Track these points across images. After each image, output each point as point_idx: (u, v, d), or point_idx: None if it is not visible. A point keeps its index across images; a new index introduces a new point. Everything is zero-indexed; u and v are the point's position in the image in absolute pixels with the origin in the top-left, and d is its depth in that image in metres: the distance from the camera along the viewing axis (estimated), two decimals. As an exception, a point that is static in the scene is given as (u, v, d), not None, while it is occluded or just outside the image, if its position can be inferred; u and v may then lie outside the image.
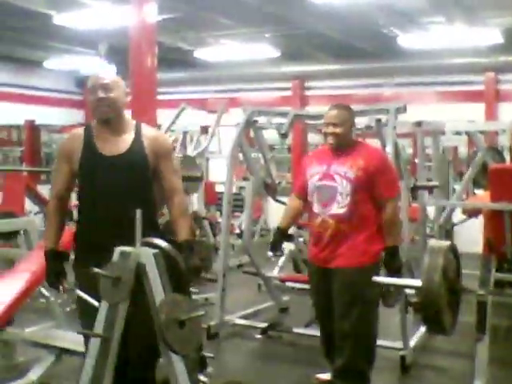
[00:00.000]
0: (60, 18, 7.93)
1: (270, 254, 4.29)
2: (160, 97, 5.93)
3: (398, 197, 3.68)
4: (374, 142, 6.77)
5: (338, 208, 3.52)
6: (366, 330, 3.61)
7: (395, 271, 3.56)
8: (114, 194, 2.85)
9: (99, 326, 2.66)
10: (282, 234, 3.89)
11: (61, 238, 2.99)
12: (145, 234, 2.69)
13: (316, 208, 3.60)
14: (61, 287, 3.06)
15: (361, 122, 5.83)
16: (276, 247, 3.95)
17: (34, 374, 3.61)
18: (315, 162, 3.68)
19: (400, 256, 3.63)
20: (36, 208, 7.93)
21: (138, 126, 2.98)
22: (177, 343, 2.47)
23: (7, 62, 11.82)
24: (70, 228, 3.40)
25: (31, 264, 3.93)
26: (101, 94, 2.86)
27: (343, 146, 3.59)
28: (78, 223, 2.99)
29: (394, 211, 3.56)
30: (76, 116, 13.75)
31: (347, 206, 3.50)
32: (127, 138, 2.92)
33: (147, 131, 2.99)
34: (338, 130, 3.55)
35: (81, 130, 2.99)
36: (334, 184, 3.53)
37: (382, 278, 3.49)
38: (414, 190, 5.51)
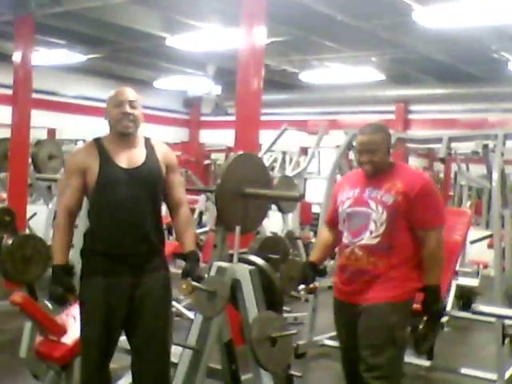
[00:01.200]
0: (172, 40, 8.23)
1: (300, 291, 3.80)
2: (262, 117, 6.02)
3: (440, 228, 3.10)
4: (480, 168, 6.60)
5: (371, 238, 3.04)
6: (392, 374, 3.04)
7: (434, 315, 3.17)
8: (134, 205, 2.87)
9: (192, 339, 2.74)
10: (312, 269, 3.33)
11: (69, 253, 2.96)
12: (155, 245, 2.90)
13: (346, 237, 3.15)
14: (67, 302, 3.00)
15: (467, 147, 5.73)
16: (306, 283, 3.40)
17: (125, 381, 3.69)
18: (347, 187, 3.24)
19: (441, 298, 3.14)
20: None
21: (147, 140, 3.05)
22: (267, 360, 2.48)
23: (119, 81, 12.35)
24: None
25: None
26: (128, 109, 2.93)
27: (380, 170, 3.14)
28: (92, 235, 2.96)
29: (436, 244, 3.04)
30: (182, 134, 14.21)
31: (381, 236, 3.02)
32: (141, 151, 2.98)
33: (157, 144, 3.06)
34: (375, 158, 3.09)
35: (92, 144, 2.99)
36: (368, 210, 3.07)
37: (479, 307, 3.39)
38: (519, 218, 5.32)
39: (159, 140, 3.12)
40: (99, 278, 2.83)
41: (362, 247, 3.04)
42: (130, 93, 3.00)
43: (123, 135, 2.95)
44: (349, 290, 3.09)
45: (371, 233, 3.03)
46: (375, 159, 3.07)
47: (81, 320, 2.88)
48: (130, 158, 2.94)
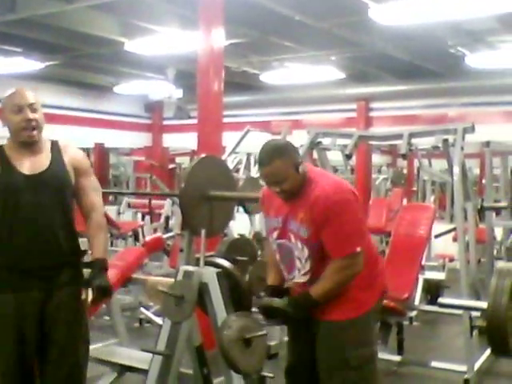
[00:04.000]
0: (131, 45, 8.17)
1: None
2: (225, 119, 6.01)
3: (354, 254, 2.60)
4: (441, 163, 6.69)
5: (301, 276, 2.72)
6: None
7: (266, 310, 2.72)
8: (39, 213, 2.65)
9: (162, 344, 2.71)
10: (275, 293, 2.81)
11: None
12: (65, 256, 2.68)
13: (283, 270, 2.82)
14: None
15: (427, 142, 5.80)
16: (269, 313, 2.73)
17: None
18: (272, 212, 2.79)
19: (301, 309, 2.65)
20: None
21: (54, 144, 2.80)
22: (241, 362, 2.46)
23: (79, 87, 12.25)
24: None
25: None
26: (30, 115, 2.66)
27: (296, 193, 2.68)
28: None
29: (338, 267, 2.60)
30: (144, 139, 14.11)
31: (310, 273, 2.69)
32: (45, 156, 2.74)
33: (65, 148, 2.81)
34: (284, 187, 2.65)
35: None
36: (290, 245, 2.72)
37: (446, 300, 3.43)
38: (481, 211, 5.40)
39: (68, 142, 2.86)
40: (6, 294, 2.61)
41: (296, 285, 2.76)
42: (28, 95, 2.70)
43: (27, 144, 2.70)
44: None
45: (299, 270, 2.71)
46: (285, 187, 2.65)
47: None
48: (34, 163, 2.70)
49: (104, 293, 2.71)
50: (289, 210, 2.68)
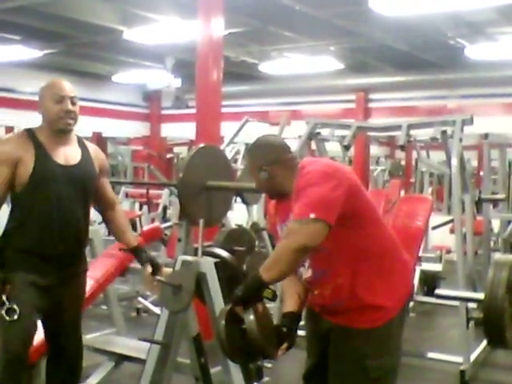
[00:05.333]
0: (130, 34, 8.14)
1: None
2: (223, 109, 6.00)
3: (299, 221, 2.25)
4: (439, 154, 6.69)
5: (306, 270, 2.52)
6: None
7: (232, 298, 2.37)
8: (69, 204, 2.81)
9: (159, 334, 2.72)
10: (295, 322, 2.52)
11: None
12: (84, 246, 2.98)
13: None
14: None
15: (426, 133, 5.80)
16: (290, 343, 2.43)
17: (93, 379, 3.67)
18: (279, 220, 2.60)
19: (252, 290, 2.34)
20: (100, 218, 8.13)
21: (80, 139, 2.97)
22: (239, 351, 2.45)
23: (77, 75, 12.20)
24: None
25: (95, 271, 4.04)
26: (70, 106, 2.81)
27: (280, 194, 2.53)
28: (19, 231, 2.77)
29: (284, 235, 2.36)
30: (143, 128, 14.09)
31: (310, 267, 2.50)
32: (76, 150, 2.90)
33: (89, 145, 3.01)
34: (255, 185, 2.60)
35: (24, 135, 2.82)
36: None
37: (443, 291, 3.43)
38: (479, 203, 5.41)
39: (89, 142, 3.08)
40: (23, 275, 2.72)
41: (306, 282, 2.55)
42: (70, 88, 2.84)
43: (62, 132, 2.83)
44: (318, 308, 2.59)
45: (303, 265, 2.50)
46: (256, 186, 2.58)
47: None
48: (67, 155, 2.84)
49: (158, 267, 3.01)
50: (288, 211, 2.44)
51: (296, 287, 2.59)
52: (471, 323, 4.40)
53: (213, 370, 2.80)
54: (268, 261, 2.31)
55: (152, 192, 9.65)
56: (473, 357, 4.66)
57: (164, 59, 10.53)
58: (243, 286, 2.32)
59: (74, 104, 2.82)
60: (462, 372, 4.45)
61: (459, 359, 4.52)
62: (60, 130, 2.81)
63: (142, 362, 2.84)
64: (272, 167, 2.46)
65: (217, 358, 2.70)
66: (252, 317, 2.29)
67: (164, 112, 14.30)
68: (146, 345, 2.84)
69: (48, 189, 2.75)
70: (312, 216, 2.21)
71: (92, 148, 2.99)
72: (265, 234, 7.65)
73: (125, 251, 3.12)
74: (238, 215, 6.73)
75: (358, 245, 2.40)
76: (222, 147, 7.02)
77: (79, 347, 2.99)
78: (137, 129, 13.89)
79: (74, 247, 2.86)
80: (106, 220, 3.11)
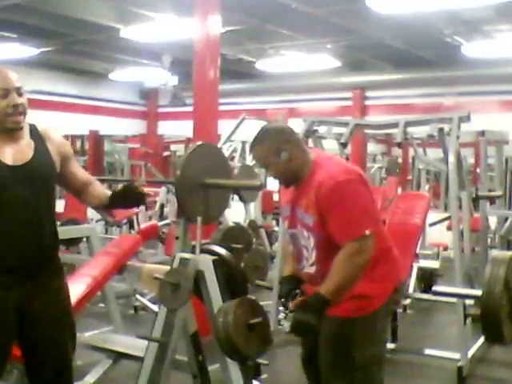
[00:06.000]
0: (126, 31, 8.13)
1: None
2: (221, 107, 6.01)
3: (363, 238, 2.38)
4: (436, 152, 6.71)
5: (309, 266, 2.58)
6: None
7: (294, 327, 2.41)
8: (26, 208, 2.42)
9: (157, 331, 2.72)
10: (291, 282, 2.68)
11: None
12: (50, 250, 2.53)
13: (295, 260, 2.71)
14: None
15: (423, 130, 5.81)
16: (287, 300, 2.62)
17: (91, 377, 3.66)
18: (284, 200, 2.72)
19: (316, 312, 2.37)
20: (97, 215, 8.12)
21: (33, 129, 2.56)
22: (245, 347, 2.45)
23: (74, 73, 12.20)
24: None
25: (92, 269, 4.04)
26: (17, 99, 2.43)
27: (295, 179, 2.57)
28: None
29: (347, 254, 2.37)
30: (140, 126, 14.09)
31: (315, 264, 2.56)
32: (27, 144, 2.49)
33: (47, 134, 2.58)
34: (272, 173, 2.59)
35: None
36: (298, 234, 2.60)
37: (441, 287, 3.44)
38: (476, 200, 5.43)
39: (47, 127, 2.62)
40: None
41: (306, 276, 2.63)
42: (14, 77, 2.46)
43: (11, 131, 2.46)
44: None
45: (307, 260, 2.58)
46: (272, 173, 2.59)
47: None
48: (16, 152, 2.45)
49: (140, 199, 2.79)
50: (295, 198, 2.56)
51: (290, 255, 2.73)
52: (468, 320, 4.41)
53: (211, 368, 2.81)
54: (335, 281, 2.36)
55: (149, 190, 9.64)
56: (470, 353, 4.67)
57: (161, 57, 10.52)
58: (316, 314, 2.35)
59: (20, 95, 2.45)
60: (460, 368, 4.45)
61: (457, 356, 4.53)
62: (9, 129, 2.45)
63: (140, 359, 2.84)
64: (291, 146, 2.51)
65: (215, 356, 2.70)
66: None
67: (161, 110, 14.30)
68: (144, 343, 2.84)
69: None
70: (367, 232, 2.38)
71: (50, 136, 2.57)
72: (262, 232, 7.68)
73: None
74: (236, 213, 6.73)
75: None
76: (219, 145, 7.02)
77: (63, 368, 2.56)
78: (134, 127, 13.89)
79: (37, 254, 2.46)
80: (84, 196, 2.72)
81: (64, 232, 4.67)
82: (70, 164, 2.65)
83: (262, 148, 2.55)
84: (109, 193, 2.72)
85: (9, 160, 2.42)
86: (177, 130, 13.01)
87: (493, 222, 6.32)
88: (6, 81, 2.43)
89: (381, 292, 2.52)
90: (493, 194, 5.94)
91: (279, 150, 2.50)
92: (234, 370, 2.64)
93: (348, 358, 2.47)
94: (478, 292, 2.94)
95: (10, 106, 2.41)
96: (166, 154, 14.45)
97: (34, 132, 2.54)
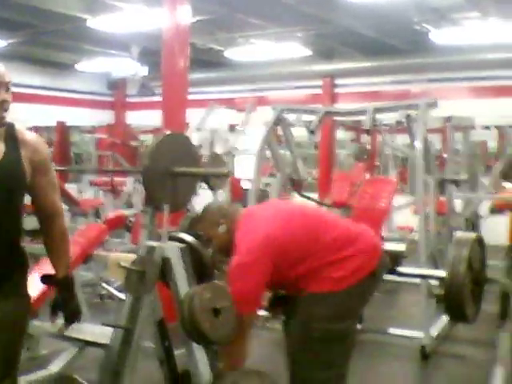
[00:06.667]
0: (94, 22, 8.06)
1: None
2: (190, 96, 5.99)
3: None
4: (404, 138, 6.77)
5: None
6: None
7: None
8: None
9: (123, 318, 2.71)
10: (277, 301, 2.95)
11: None
12: (13, 266, 2.22)
13: None
14: None
15: (391, 117, 5.86)
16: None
17: (56, 365, 3.66)
18: None
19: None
20: (64, 206, 8.04)
21: (9, 130, 2.20)
22: (211, 331, 2.46)
23: (41, 65, 12.07)
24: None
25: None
26: (5, 96, 2.13)
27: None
28: None
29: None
30: (106, 117, 13.98)
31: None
32: None
33: (23, 137, 2.21)
34: (215, 245, 2.89)
35: None
36: None
37: (405, 269, 3.47)
38: (442, 184, 5.50)
39: (25, 130, 2.27)
40: None
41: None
42: (3, 71, 2.15)
43: None
44: None
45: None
46: (217, 245, 2.86)
47: None
48: None
49: (75, 318, 2.40)
50: None
51: None
52: (433, 300, 4.49)
53: (177, 353, 2.81)
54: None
55: (116, 179, 9.58)
56: (434, 332, 4.78)
57: (130, 47, 10.45)
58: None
59: (8, 91, 2.15)
60: (423, 347, 4.56)
61: (420, 334, 4.63)
62: None
63: (106, 347, 2.84)
64: (227, 220, 2.78)
65: (180, 341, 2.71)
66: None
67: (129, 100, 14.20)
68: (110, 330, 2.83)
69: None
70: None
71: (26, 141, 2.21)
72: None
73: (45, 281, 2.39)
74: (204, 201, 6.74)
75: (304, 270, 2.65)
76: (188, 134, 7.01)
77: None
78: (101, 117, 13.78)
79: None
80: (42, 233, 2.36)
81: (29, 222, 4.63)
82: (41, 178, 2.24)
83: (204, 224, 2.87)
84: (59, 256, 2.34)
85: None
86: (145, 119, 12.94)
87: (459, 204, 6.40)
88: None
89: (345, 277, 2.64)
90: (458, 177, 6.03)
91: (218, 223, 2.79)
92: (200, 354, 2.65)
93: (306, 330, 2.63)
94: (442, 273, 2.99)
95: None
96: (134, 144, 14.34)
97: (10, 134, 2.19)
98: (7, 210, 2.16)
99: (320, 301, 2.62)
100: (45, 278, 2.38)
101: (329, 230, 2.72)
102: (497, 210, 6.10)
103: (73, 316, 2.38)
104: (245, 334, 2.63)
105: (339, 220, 2.94)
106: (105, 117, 13.87)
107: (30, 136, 2.25)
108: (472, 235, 3.10)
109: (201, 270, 2.95)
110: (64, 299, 2.33)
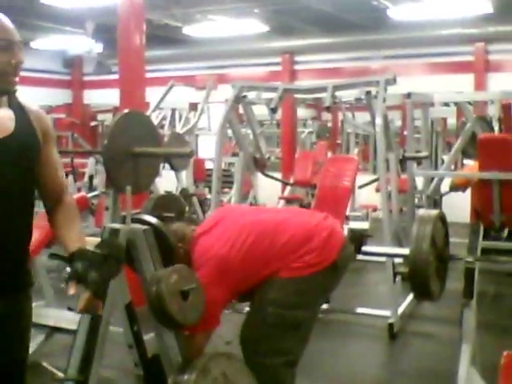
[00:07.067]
0: (47, -3, 7.86)
1: None
2: (148, 74, 5.90)
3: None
4: (365, 115, 6.80)
5: None
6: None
7: None
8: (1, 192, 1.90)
9: (89, 303, 2.67)
10: None
11: None
12: (24, 250, 2.08)
13: None
14: None
15: (351, 94, 5.87)
16: None
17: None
18: None
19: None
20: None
21: (12, 98, 2.00)
22: (179, 314, 2.45)
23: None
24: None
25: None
26: (21, 56, 1.95)
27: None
28: None
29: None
30: (64, 96, 13.70)
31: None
32: (7, 115, 1.95)
33: (28, 105, 2.04)
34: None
35: None
36: None
37: (370, 248, 3.50)
38: (403, 162, 5.54)
39: (28, 100, 2.08)
40: None
41: None
42: (14, 29, 1.98)
43: (2, 95, 1.96)
44: None
45: None
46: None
47: None
48: None
49: (99, 286, 2.15)
50: None
51: None
52: (398, 278, 4.54)
53: (146, 337, 2.79)
54: None
55: (77, 161, 9.44)
56: (400, 310, 4.84)
57: (84, 23, 10.23)
58: None
59: (21, 51, 1.96)
60: (391, 325, 4.61)
61: (387, 313, 4.68)
62: (1, 91, 1.95)
63: (73, 333, 2.80)
64: (183, 243, 2.82)
65: (149, 325, 2.69)
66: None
67: (86, 78, 13.93)
68: (77, 316, 2.79)
69: None
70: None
71: (32, 109, 2.03)
72: (195, 200, 7.65)
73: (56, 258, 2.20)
74: (167, 182, 6.67)
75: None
76: (148, 113, 6.91)
77: None
78: (58, 97, 13.50)
79: (8, 257, 1.98)
80: (51, 213, 2.13)
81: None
82: (49, 151, 2.04)
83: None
84: (74, 231, 2.16)
85: None
86: (104, 98, 12.72)
87: (420, 182, 6.47)
88: (6, 31, 1.94)
89: (302, 269, 2.68)
90: (419, 155, 6.07)
91: (177, 247, 2.83)
92: (170, 338, 2.63)
93: (262, 314, 2.68)
94: (406, 251, 3.01)
95: (9, 64, 1.91)
96: (93, 123, 14.12)
97: (15, 102, 2.00)
98: (28, 178, 1.96)
99: (278, 286, 2.65)
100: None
101: (285, 231, 2.74)
102: (457, 187, 6.18)
103: (95, 288, 2.13)
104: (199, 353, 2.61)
105: (295, 217, 2.92)
106: (62, 96, 13.59)
107: (33, 105, 2.07)
108: (434, 212, 3.12)
109: (166, 253, 2.93)
110: (83, 268, 2.13)
